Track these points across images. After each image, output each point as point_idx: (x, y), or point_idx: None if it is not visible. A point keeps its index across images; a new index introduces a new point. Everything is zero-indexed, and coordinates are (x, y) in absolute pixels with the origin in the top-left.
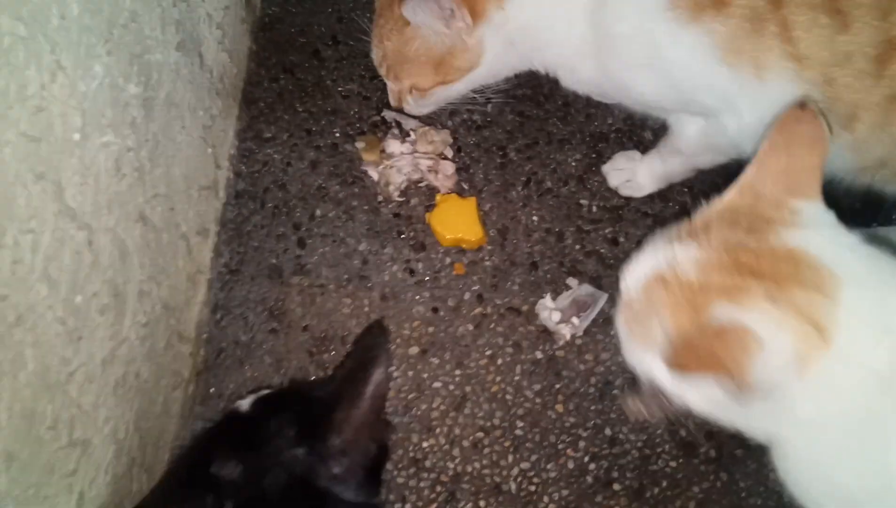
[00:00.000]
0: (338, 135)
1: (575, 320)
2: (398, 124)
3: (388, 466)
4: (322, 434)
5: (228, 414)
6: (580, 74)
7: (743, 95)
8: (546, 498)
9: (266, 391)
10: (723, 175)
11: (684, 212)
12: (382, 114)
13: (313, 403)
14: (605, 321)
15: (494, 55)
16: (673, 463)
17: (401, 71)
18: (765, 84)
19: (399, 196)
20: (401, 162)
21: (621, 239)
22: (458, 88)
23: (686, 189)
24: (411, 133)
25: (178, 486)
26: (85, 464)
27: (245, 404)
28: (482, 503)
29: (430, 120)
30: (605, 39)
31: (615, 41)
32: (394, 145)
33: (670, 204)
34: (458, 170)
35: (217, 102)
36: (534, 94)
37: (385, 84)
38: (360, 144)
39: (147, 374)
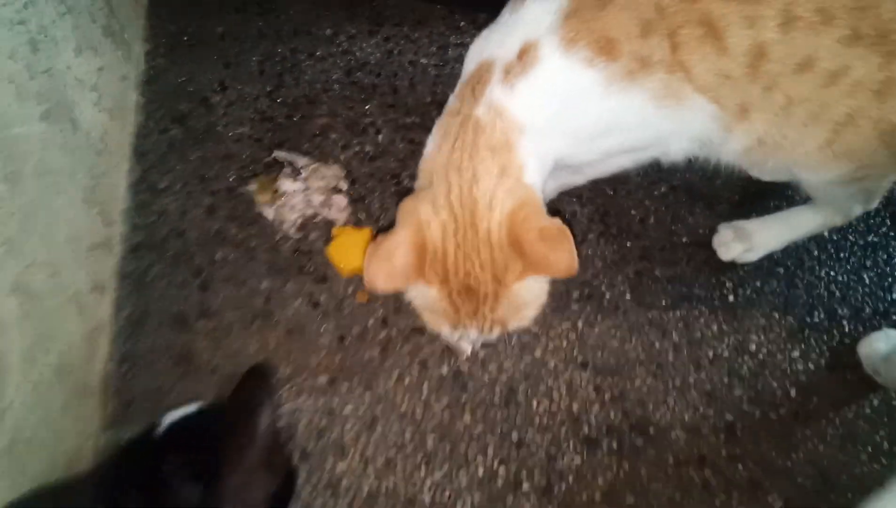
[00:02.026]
0: (232, 179)
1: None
2: (290, 163)
3: (306, 491)
4: (218, 474)
5: (143, 436)
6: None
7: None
8: (459, 505)
9: (182, 413)
10: None
11: None
12: (274, 155)
13: (211, 442)
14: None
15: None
16: (577, 459)
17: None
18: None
19: (296, 233)
20: (294, 199)
21: None
22: None
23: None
24: (302, 171)
25: (92, 495)
26: None
27: (164, 423)
28: None
29: (321, 155)
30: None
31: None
32: (286, 184)
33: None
34: (353, 201)
35: (101, 161)
36: (422, 120)
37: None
38: (253, 186)
39: (44, 436)
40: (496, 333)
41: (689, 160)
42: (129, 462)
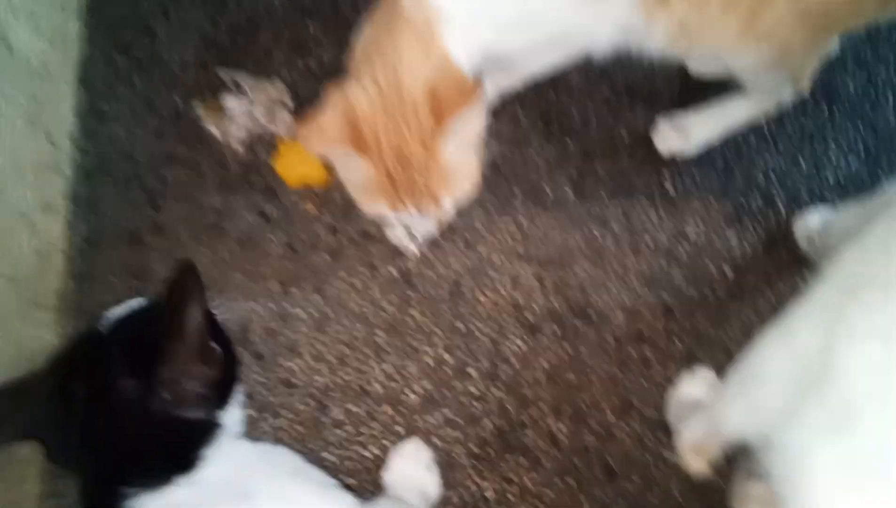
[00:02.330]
0: (178, 101)
1: (413, 230)
2: (234, 81)
3: (261, 389)
4: (152, 367)
5: (89, 331)
6: None
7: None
8: (408, 391)
9: (125, 309)
10: None
11: None
12: (219, 74)
13: (149, 337)
14: (446, 231)
15: None
16: (521, 344)
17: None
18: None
19: (243, 149)
20: (238, 116)
21: None
22: None
23: None
24: (246, 88)
25: (46, 387)
26: None
27: (110, 318)
28: (351, 406)
29: (266, 74)
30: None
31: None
32: (231, 102)
33: None
34: (298, 116)
35: (43, 86)
36: None
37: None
38: (199, 106)
39: (1, 344)
40: (435, 212)
41: (629, 58)
42: (76, 355)
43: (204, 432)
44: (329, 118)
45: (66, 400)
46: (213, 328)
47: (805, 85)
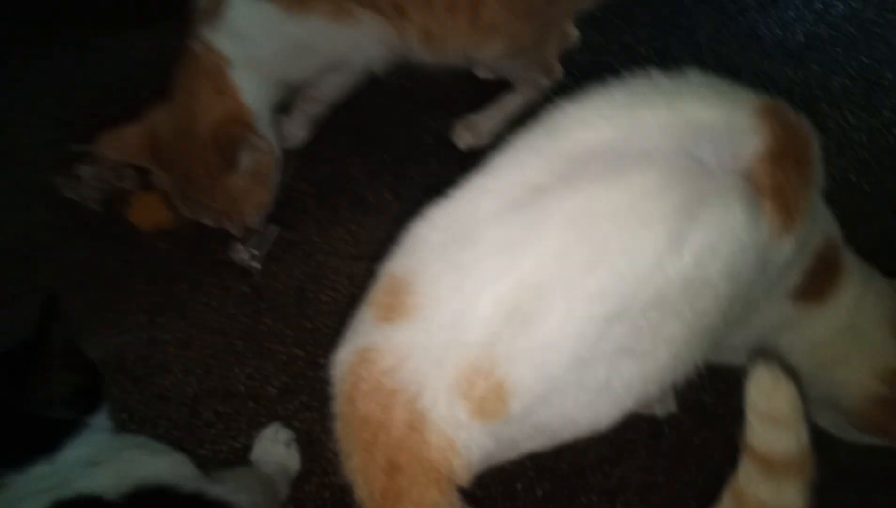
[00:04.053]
0: (41, 178)
1: (255, 251)
2: (86, 152)
3: (139, 406)
4: (25, 377)
5: None
6: None
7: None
8: (269, 387)
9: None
10: None
11: None
12: (73, 149)
13: (16, 357)
14: (286, 246)
15: None
16: None
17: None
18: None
19: (100, 206)
20: (91, 180)
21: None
22: None
23: None
24: (96, 157)
25: None
26: None
27: None
28: (220, 408)
29: None
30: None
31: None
32: (83, 169)
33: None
34: (139, 171)
35: None
36: None
37: None
38: (58, 179)
39: None
40: (229, 226)
41: (417, 72)
42: None
43: (72, 428)
44: (131, 132)
45: None
46: (78, 353)
47: (557, 71)
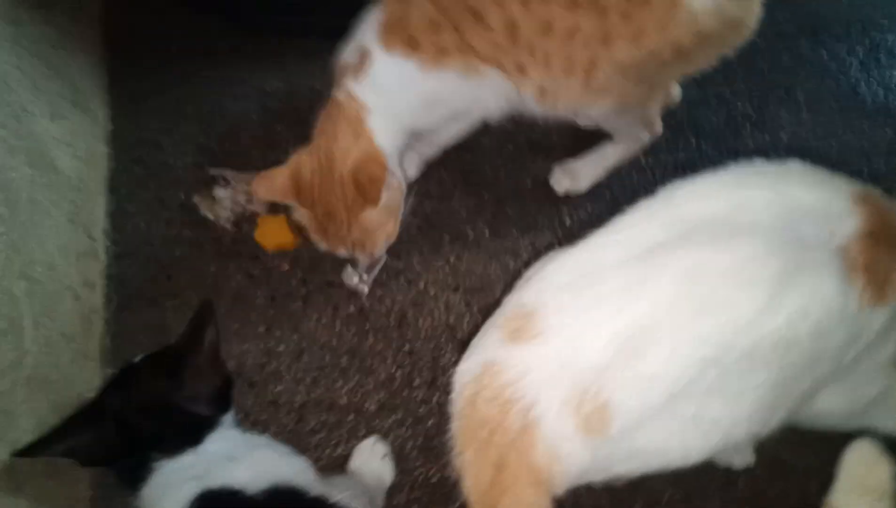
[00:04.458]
0: (182, 196)
1: (365, 276)
2: (221, 176)
3: (253, 409)
4: (179, 372)
5: (125, 366)
6: None
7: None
8: (369, 401)
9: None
10: None
11: None
12: (210, 172)
13: (173, 355)
14: (392, 274)
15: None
16: (455, 357)
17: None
18: (483, 77)
19: (232, 226)
20: (225, 202)
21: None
22: None
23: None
24: (230, 180)
25: (80, 413)
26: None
27: (138, 357)
28: (324, 417)
29: (246, 166)
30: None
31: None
32: (220, 192)
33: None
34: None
35: (80, 194)
36: None
37: None
38: (196, 198)
39: (56, 380)
40: (361, 255)
41: (521, 118)
42: (117, 380)
43: (210, 423)
44: (279, 174)
45: (105, 408)
46: (220, 357)
47: (658, 127)
